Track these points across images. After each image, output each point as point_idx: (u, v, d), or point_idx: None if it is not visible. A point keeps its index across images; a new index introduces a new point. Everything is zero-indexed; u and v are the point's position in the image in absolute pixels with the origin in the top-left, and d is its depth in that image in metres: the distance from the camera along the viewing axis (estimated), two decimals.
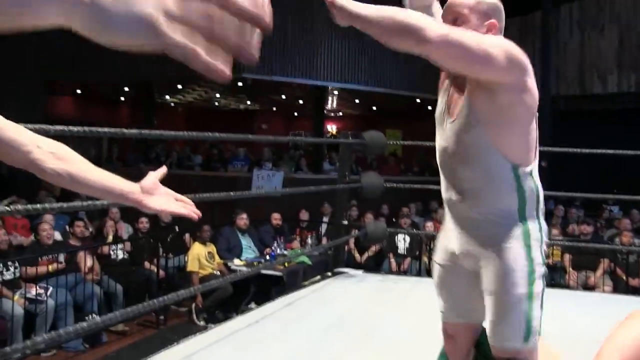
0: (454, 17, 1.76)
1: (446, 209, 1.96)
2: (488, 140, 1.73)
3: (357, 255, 8.09)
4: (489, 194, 1.79)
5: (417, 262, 7.98)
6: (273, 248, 7.51)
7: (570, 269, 7.18)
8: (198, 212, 1.29)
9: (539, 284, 1.77)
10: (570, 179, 10.19)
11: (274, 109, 18.46)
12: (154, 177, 1.28)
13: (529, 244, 1.78)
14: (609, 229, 8.92)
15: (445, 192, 1.93)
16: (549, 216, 9.76)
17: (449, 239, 1.95)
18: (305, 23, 11.65)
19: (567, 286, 6.85)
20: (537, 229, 1.81)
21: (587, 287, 6.92)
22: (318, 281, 4.80)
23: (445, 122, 1.86)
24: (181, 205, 1.28)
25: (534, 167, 1.81)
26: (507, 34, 1.79)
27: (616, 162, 9.40)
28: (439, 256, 2.04)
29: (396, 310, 4.06)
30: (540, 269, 1.79)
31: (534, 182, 1.81)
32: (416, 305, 4.09)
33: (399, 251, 8.03)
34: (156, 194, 1.26)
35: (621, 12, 11.70)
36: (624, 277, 6.95)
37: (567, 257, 7.26)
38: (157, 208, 1.24)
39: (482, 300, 1.88)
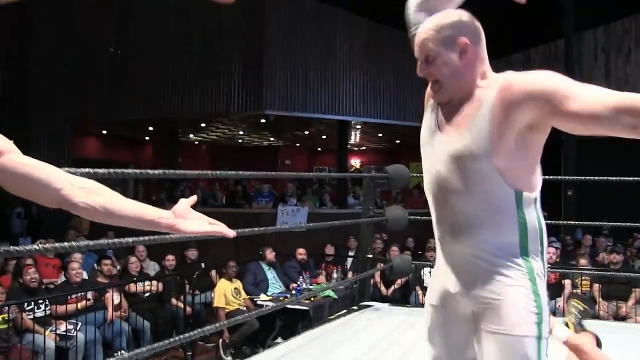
0: (425, 56, 1.66)
1: (438, 246, 1.77)
2: (494, 167, 1.56)
3: (383, 288, 8.04)
4: (488, 228, 1.60)
5: None
6: (299, 283, 7.52)
7: (600, 298, 7.05)
8: (233, 232, 1.28)
9: (546, 326, 1.58)
10: (597, 207, 10.06)
11: (297, 144, 18.61)
12: (186, 203, 1.29)
13: (535, 281, 1.59)
14: None
15: (437, 227, 1.73)
16: (577, 246, 9.63)
17: (444, 278, 1.73)
18: (327, 59, 11.81)
19: (597, 317, 6.71)
20: (541, 267, 1.62)
21: (618, 317, 6.78)
22: (344, 315, 4.78)
23: (435, 140, 1.69)
24: (215, 225, 1.29)
25: (537, 194, 1.64)
26: (532, 64, 1.73)
27: None
28: (432, 297, 1.80)
29: (423, 342, 4.02)
30: (547, 310, 1.60)
31: (536, 212, 1.63)
32: None
33: (424, 284, 7.97)
34: (189, 218, 1.27)
35: None
36: None
37: (596, 286, 7.13)
38: (192, 230, 1.25)
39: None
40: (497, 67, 1.64)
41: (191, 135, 16.86)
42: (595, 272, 6.88)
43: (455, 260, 1.68)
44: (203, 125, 14.81)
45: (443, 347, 1.79)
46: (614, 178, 4.79)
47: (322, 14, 11.85)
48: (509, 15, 11.02)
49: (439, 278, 1.76)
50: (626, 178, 4.79)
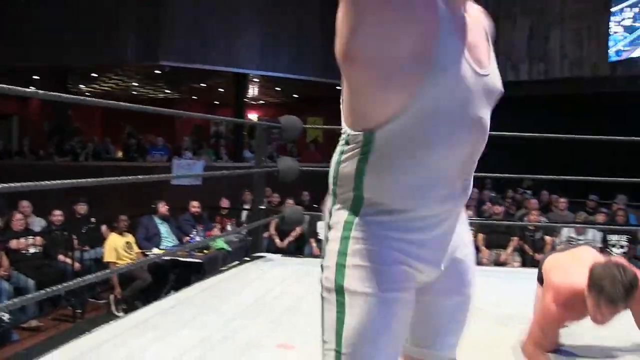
0: None
1: (421, 219, 1.19)
2: None
3: (278, 240, 8.12)
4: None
5: None
6: (192, 236, 7.44)
7: (484, 247, 7.51)
8: None
9: None
10: (482, 161, 10.56)
11: (194, 97, 18.20)
12: None
13: None
14: (519, 210, 9.38)
15: (440, 199, 1.17)
16: None
17: (430, 257, 1.22)
18: (224, 10, 11.51)
19: (480, 264, 7.13)
20: None
21: (498, 263, 7.28)
22: (236, 266, 4.79)
23: (473, 77, 1.09)
24: None
25: None
26: None
27: (528, 146, 9.83)
28: (403, 284, 1.20)
29: (314, 291, 4.09)
30: None
31: None
32: None
33: (319, 237, 8.11)
34: None
35: (534, 4, 12.33)
36: (531, 253, 7.46)
37: (480, 236, 7.57)
38: None
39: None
40: None
41: (82, 86, 16.07)
42: (479, 221, 7.32)
43: (448, 227, 1.24)
44: (95, 75, 14.15)
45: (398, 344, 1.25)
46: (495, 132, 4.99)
47: None
48: None
49: (417, 261, 1.21)
50: (504, 133, 5.01)
